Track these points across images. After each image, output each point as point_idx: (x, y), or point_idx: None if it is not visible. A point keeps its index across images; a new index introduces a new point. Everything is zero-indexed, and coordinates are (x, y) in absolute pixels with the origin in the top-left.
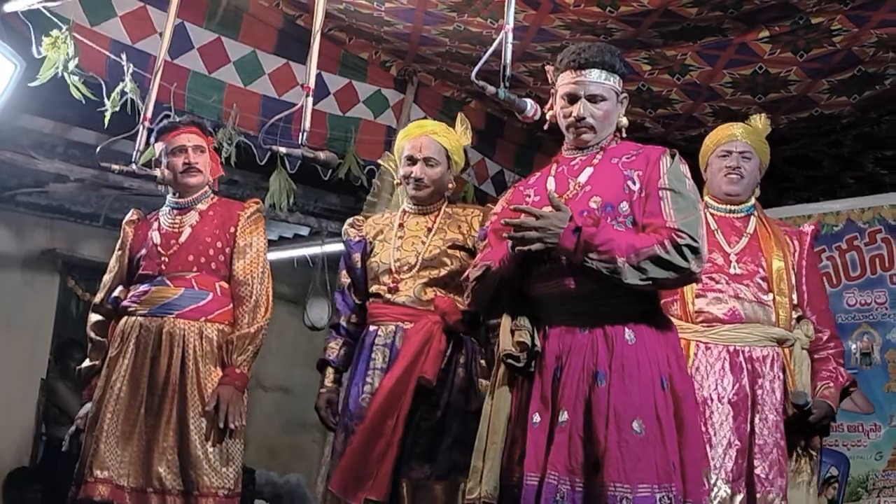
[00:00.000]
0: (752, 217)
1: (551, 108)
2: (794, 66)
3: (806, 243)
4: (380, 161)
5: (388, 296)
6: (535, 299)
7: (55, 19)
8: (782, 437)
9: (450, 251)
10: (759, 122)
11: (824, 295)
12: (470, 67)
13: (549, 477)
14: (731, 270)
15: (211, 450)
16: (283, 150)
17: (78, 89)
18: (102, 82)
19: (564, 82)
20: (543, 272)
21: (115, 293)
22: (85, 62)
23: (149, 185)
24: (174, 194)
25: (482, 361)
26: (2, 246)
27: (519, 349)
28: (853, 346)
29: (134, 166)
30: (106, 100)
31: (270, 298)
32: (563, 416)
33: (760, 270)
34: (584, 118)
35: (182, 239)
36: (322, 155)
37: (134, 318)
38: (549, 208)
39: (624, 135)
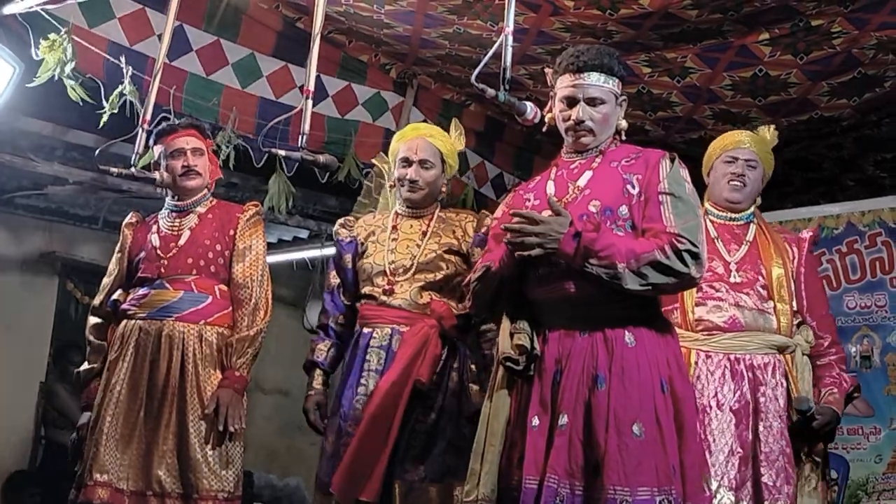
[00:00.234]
0: (751, 224)
1: (550, 111)
2: (794, 69)
3: (804, 249)
4: (373, 160)
5: (384, 298)
6: (534, 303)
7: (53, 21)
8: (788, 445)
9: (446, 255)
10: (768, 132)
11: (824, 300)
12: (470, 70)
13: (549, 480)
14: (732, 279)
15: (210, 453)
16: (282, 152)
17: (76, 91)
18: (100, 84)
19: (563, 85)
20: (543, 276)
21: (115, 296)
22: (83, 64)
23: (148, 187)
24: (173, 197)
25: (472, 366)
26: (0, 248)
27: (518, 352)
28: (853, 350)
29: (133, 169)
30: (104, 102)
31: (270, 301)
32: (563, 420)
33: (760, 278)
34: (583, 121)
35: (181, 242)
36: (322, 158)
37: (133, 321)
38: (549, 213)
39: (623, 137)
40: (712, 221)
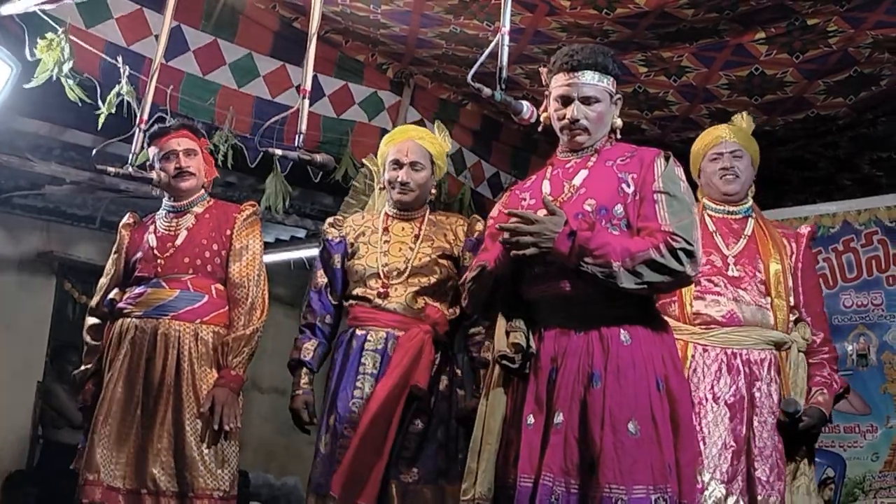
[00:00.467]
0: (749, 219)
1: (545, 110)
2: (791, 68)
3: (802, 245)
4: (364, 161)
5: (378, 301)
6: (530, 301)
7: (51, 21)
8: (780, 441)
9: (439, 260)
10: (743, 120)
11: (820, 297)
12: (466, 70)
13: (545, 478)
14: (730, 273)
15: (206, 451)
16: (279, 152)
17: (73, 91)
18: (97, 84)
19: (558, 84)
20: (539, 275)
21: (111, 295)
22: (80, 64)
23: (145, 187)
24: (169, 198)
25: (458, 370)
26: None
27: (514, 350)
28: (849, 348)
29: (130, 169)
30: (100, 102)
31: (266, 300)
32: (559, 418)
33: (758, 273)
34: (577, 120)
35: (178, 242)
36: (319, 157)
37: (129, 319)
38: (545, 212)
39: (618, 136)
40: (710, 216)
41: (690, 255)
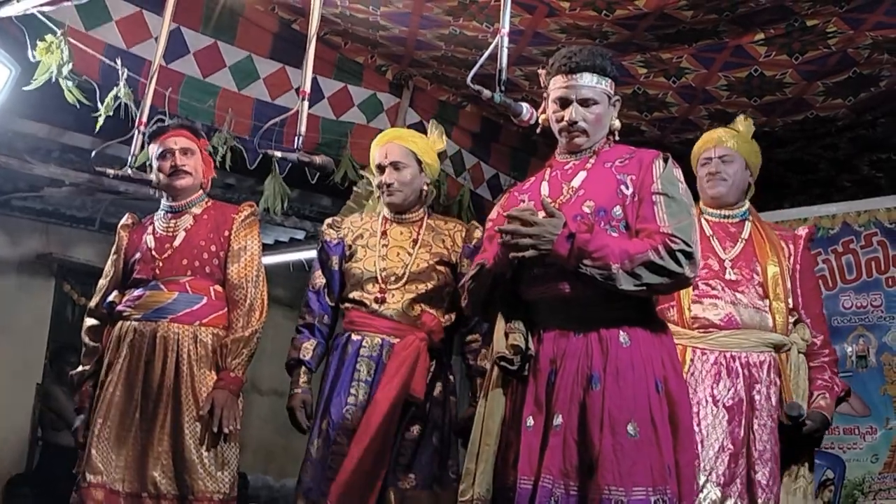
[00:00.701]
0: (746, 222)
1: (544, 112)
2: (790, 69)
3: (800, 247)
4: (363, 172)
5: (375, 306)
6: (529, 303)
7: (50, 24)
8: (777, 444)
9: (437, 267)
10: (742, 124)
11: (819, 299)
12: (466, 71)
13: (544, 480)
14: (727, 276)
15: (206, 454)
16: (278, 154)
17: (72, 94)
18: (96, 86)
19: (556, 86)
20: (537, 276)
21: (110, 298)
22: (79, 66)
23: (144, 189)
24: (167, 198)
25: (451, 377)
26: None
27: (512, 352)
28: (849, 349)
29: (129, 170)
30: (99, 104)
31: (265, 302)
32: (558, 420)
33: (756, 276)
34: (576, 122)
35: (176, 243)
36: (318, 159)
37: (128, 322)
38: (543, 214)
39: (617, 138)
40: (707, 220)
41: (689, 256)
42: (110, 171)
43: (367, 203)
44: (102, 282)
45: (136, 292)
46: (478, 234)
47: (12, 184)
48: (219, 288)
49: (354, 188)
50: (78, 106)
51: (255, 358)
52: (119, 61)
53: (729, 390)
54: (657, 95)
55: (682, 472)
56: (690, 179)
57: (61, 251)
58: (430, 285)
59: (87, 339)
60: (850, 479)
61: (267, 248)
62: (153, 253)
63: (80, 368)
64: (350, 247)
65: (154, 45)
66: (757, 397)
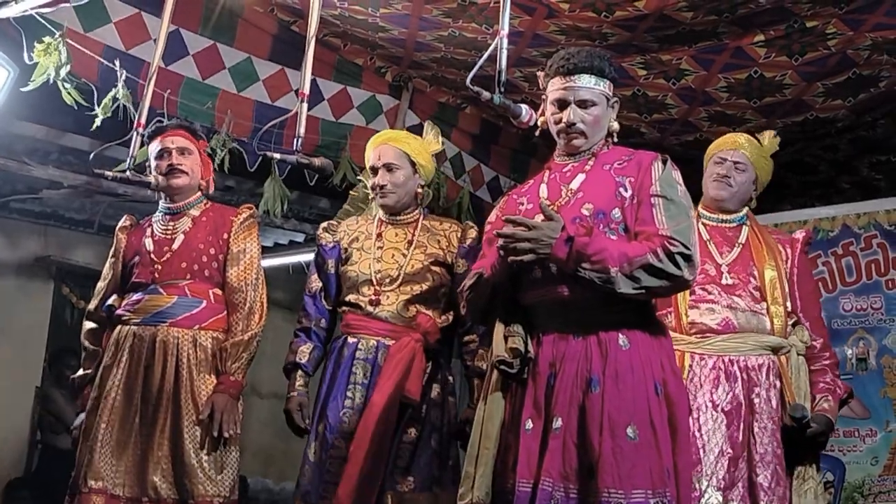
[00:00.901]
0: (743, 227)
1: (542, 114)
2: (789, 70)
3: (797, 250)
4: (360, 178)
5: (370, 308)
6: (528, 306)
7: (48, 25)
8: (779, 446)
9: (432, 267)
10: (766, 139)
11: (817, 302)
12: (465, 73)
13: (544, 483)
14: (724, 281)
15: (206, 458)
16: (277, 156)
17: (71, 95)
18: (94, 88)
19: (554, 88)
20: (536, 280)
21: (110, 301)
22: (78, 68)
23: (143, 191)
24: (165, 199)
25: (450, 378)
26: None
27: (512, 355)
28: (849, 352)
29: (128, 172)
30: (97, 106)
31: (265, 305)
32: (557, 423)
33: (752, 280)
34: (574, 124)
35: (175, 246)
36: (317, 161)
37: (128, 327)
38: (542, 217)
39: (615, 139)
40: (704, 224)
41: (688, 259)
42: (109, 173)
43: (363, 206)
44: (101, 284)
45: (136, 296)
46: (473, 233)
47: (10, 186)
48: (218, 291)
49: (351, 191)
50: (76, 107)
51: (254, 361)
52: (118, 63)
53: (727, 394)
54: (657, 97)
55: (680, 476)
56: (690, 181)
57: (60, 254)
58: (425, 286)
59: (86, 343)
60: (850, 482)
61: (266, 251)
62: (152, 256)
63: (81, 372)
64: (346, 250)
65: (153, 47)
66: (756, 400)
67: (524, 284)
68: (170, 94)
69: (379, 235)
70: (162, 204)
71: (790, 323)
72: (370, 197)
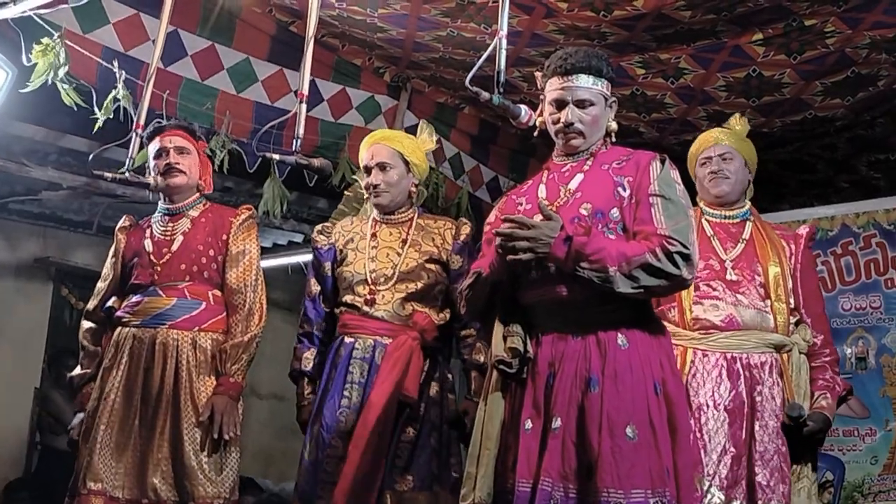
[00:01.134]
0: (747, 222)
1: (541, 114)
2: (788, 69)
3: (801, 246)
4: (354, 177)
5: (366, 308)
6: (527, 306)
7: (46, 26)
8: (784, 444)
9: (426, 265)
10: (737, 122)
11: (820, 299)
12: (463, 73)
13: (543, 483)
14: (728, 277)
15: (206, 460)
16: (276, 156)
17: (69, 96)
18: (92, 90)
19: (552, 88)
20: (535, 280)
21: (109, 303)
22: (77, 69)
23: (142, 192)
24: (164, 200)
25: (449, 375)
26: None
27: (511, 355)
28: (848, 351)
29: (127, 173)
30: (96, 107)
31: (264, 306)
32: (556, 423)
33: (757, 276)
34: (572, 124)
35: (174, 247)
36: (316, 162)
37: (127, 328)
38: (541, 217)
39: (614, 139)
40: (708, 220)
41: (687, 258)
42: (108, 175)
43: (358, 206)
44: (101, 285)
45: (135, 298)
46: (466, 229)
47: (9, 187)
48: (217, 293)
49: (345, 192)
50: (75, 109)
51: (254, 362)
52: (116, 64)
53: (730, 392)
54: (655, 96)
55: (680, 475)
56: (688, 181)
57: (59, 255)
58: (420, 284)
59: (85, 342)
60: (850, 481)
61: (265, 252)
62: (151, 258)
63: (79, 371)
64: (341, 251)
65: (152, 48)
66: (759, 398)
67: (523, 284)
68: (169, 94)
69: (373, 235)
70: (161, 204)
71: (793, 321)
72: (364, 197)
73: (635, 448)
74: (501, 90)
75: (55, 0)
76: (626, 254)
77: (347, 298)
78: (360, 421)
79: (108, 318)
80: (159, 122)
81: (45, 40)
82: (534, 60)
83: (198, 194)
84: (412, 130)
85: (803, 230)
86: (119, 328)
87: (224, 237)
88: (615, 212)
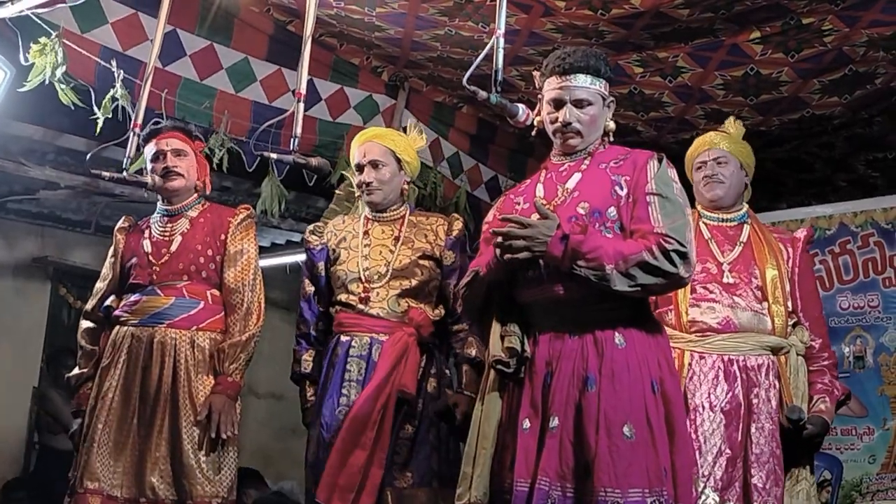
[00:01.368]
0: (745, 225)
1: (539, 113)
2: (786, 67)
3: (799, 249)
4: (344, 173)
5: (361, 306)
6: (524, 305)
7: (45, 26)
8: (778, 446)
9: (420, 261)
10: (732, 126)
11: (818, 301)
12: (461, 72)
13: (541, 483)
14: (725, 280)
15: (204, 459)
16: (274, 155)
17: (67, 96)
18: (91, 89)
19: (550, 88)
20: (532, 279)
21: (108, 302)
22: (74, 69)
23: (140, 191)
24: (163, 201)
25: (446, 371)
26: None
27: (508, 355)
28: (846, 350)
29: (125, 173)
30: (95, 107)
31: (262, 306)
32: (554, 422)
33: (754, 279)
34: (570, 123)
35: (173, 248)
36: (314, 161)
37: (125, 327)
38: (537, 216)
39: (611, 139)
40: (706, 223)
41: (683, 256)
42: (106, 174)
43: (349, 204)
44: (100, 284)
45: (133, 297)
46: (458, 225)
47: (7, 187)
48: (216, 292)
49: (336, 190)
50: (73, 108)
51: (252, 361)
52: (114, 63)
53: (727, 394)
54: (653, 95)
55: (678, 474)
56: (686, 180)
57: (57, 254)
58: (414, 281)
59: (83, 342)
60: (848, 480)
61: (263, 251)
62: (150, 258)
63: (77, 371)
64: (334, 251)
65: (150, 48)
66: (755, 401)
67: (520, 283)
68: (167, 94)
69: (366, 233)
70: (160, 206)
71: (790, 323)
72: (356, 195)
73: (633, 447)
74: (499, 89)
75: None
76: (623, 252)
77: (342, 297)
78: (349, 414)
79: (107, 318)
80: (158, 122)
81: (43, 40)
82: (531, 59)
83: (196, 195)
84: None
85: (801, 233)
86: (117, 327)
87: (222, 237)
88: (612, 211)
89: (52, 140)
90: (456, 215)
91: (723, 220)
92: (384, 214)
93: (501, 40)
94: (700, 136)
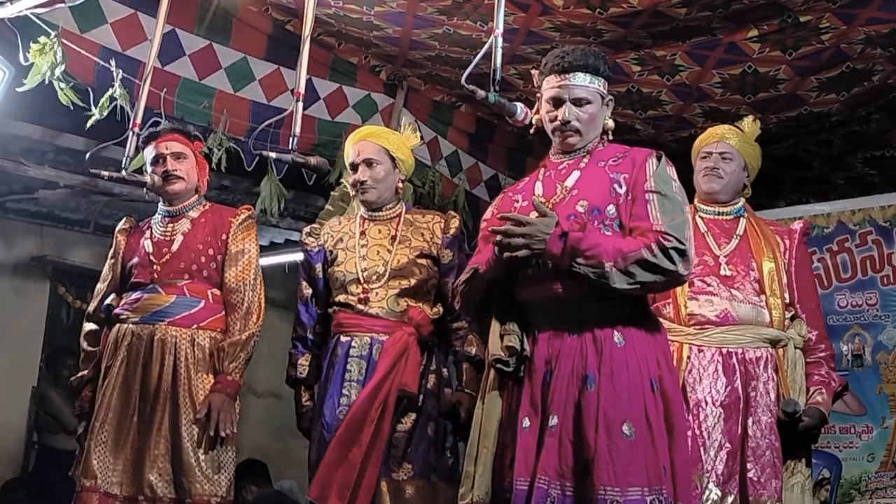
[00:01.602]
0: (741, 219)
1: (537, 112)
2: (783, 65)
3: (795, 241)
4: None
5: (360, 307)
6: (523, 304)
7: (44, 26)
8: (776, 439)
9: (418, 260)
10: (748, 124)
11: (815, 294)
12: (460, 71)
13: (540, 481)
14: (722, 272)
15: (203, 457)
16: (273, 155)
17: (66, 95)
18: (90, 89)
19: (549, 86)
20: (531, 277)
21: (108, 301)
22: (73, 69)
23: (139, 191)
24: (164, 202)
25: (444, 370)
26: None
27: (508, 354)
28: (844, 348)
29: (124, 172)
30: (93, 106)
31: (262, 305)
32: (553, 421)
33: (751, 272)
34: (569, 122)
35: (174, 247)
36: (313, 160)
37: (126, 325)
38: (536, 214)
39: (610, 137)
40: (702, 217)
41: (682, 253)
42: (105, 173)
43: (344, 205)
44: (100, 286)
45: (134, 295)
46: (455, 222)
47: (7, 186)
48: (216, 291)
49: (332, 192)
50: (72, 108)
51: (251, 360)
52: (113, 62)
53: (726, 388)
54: (651, 93)
55: (677, 473)
56: (684, 177)
57: (56, 254)
58: (412, 280)
59: (85, 345)
60: (847, 478)
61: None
62: (151, 257)
63: (79, 374)
64: (331, 252)
65: (149, 47)
66: (753, 393)
67: (519, 281)
68: (166, 93)
69: (362, 233)
70: (160, 207)
71: (788, 316)
72: (351, 194)
73: (632, 446)
74: (497, 88)
75: None
76: (622, 249)
77: (341, 298)
78: (348, 413)
79: (107, 316)
80: (157, 122)
81: (42, 39)
82: (530, 58)
83: (197, 196)
84: None
85: (797, 225)
86: (117, 325)
87: (223, 237)
88: (611, 209)
89: (51, 139)
90: (452, 213)
91: (719, 214)
92: (380, 213)
93: (500, 39)
94: (699, 133)
